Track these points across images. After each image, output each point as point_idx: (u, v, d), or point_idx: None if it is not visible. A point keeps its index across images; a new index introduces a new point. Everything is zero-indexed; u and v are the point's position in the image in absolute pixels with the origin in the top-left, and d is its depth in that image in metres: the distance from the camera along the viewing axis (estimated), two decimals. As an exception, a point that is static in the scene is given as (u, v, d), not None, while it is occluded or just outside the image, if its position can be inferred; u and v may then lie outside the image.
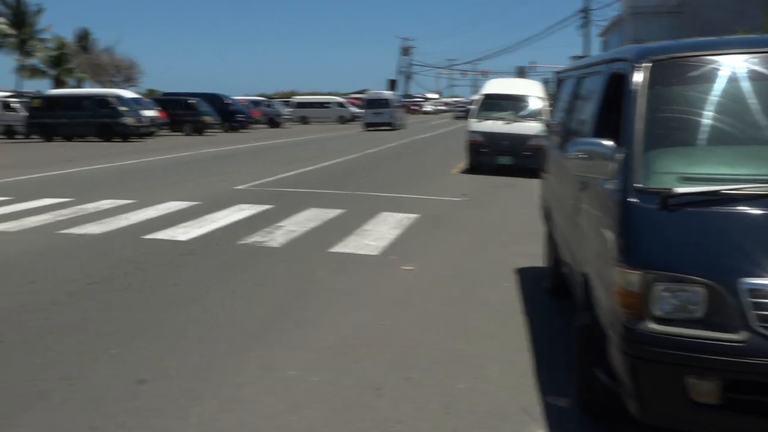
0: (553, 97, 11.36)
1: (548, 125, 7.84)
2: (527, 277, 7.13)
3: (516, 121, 17.28)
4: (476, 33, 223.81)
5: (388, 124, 42.08)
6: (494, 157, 17.21)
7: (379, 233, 9.19)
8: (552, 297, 6.39)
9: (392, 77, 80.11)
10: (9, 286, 6.44)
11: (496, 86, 19.45)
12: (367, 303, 6.16)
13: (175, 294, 6.29)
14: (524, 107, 17.85)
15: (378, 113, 42.48)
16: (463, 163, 18.42)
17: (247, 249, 8.18)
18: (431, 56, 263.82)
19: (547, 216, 6.69)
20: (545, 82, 28.66)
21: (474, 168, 17.39)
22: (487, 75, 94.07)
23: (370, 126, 42.13)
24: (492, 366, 4.75)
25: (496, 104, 18.03)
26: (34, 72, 56.10)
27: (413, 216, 10.54)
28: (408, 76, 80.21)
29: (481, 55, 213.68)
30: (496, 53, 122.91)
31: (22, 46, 51.91)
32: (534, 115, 17.24)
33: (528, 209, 11.00)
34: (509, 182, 15.62)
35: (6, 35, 51.09)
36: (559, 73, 7.95)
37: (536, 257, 7.38)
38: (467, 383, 4.45)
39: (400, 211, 10.87)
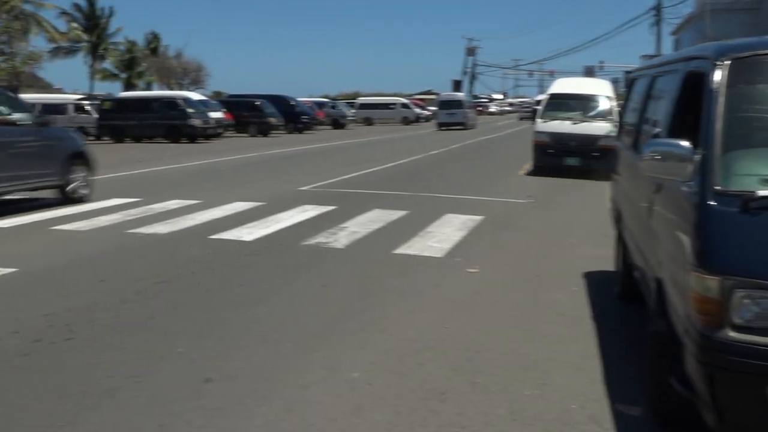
0: (622, 98, 11.09)
1: (619, 126, 7.66)
2: (596, 281, 6.97)
3: (584, 122, 16.88)
4: (543, 33, 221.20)
5: (461, 123, 44.84)
6: (561, 159, 16.90)
7: (443, 235, 9.14)
8: (622, 302, 6.24)
9: (457, 78, 79.69)
10: (81, 285, 6.64)
11: (563, 86, 18.99)
12: (431, 305, 6.12)
13: (241, 294, 6.38)
14: (593, 107, 17.29)
15: (451, 113, 45.32)
16: (528, 164, 18.19)
17: (311, 250, 8.24)
18: (497, 56, 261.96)
19: (618, 218, 6.54)
20: (614, 81, 28.12)
21: (540, 169, 17.13)
22: (553, 75, 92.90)
23: (443, 126, 44.76)
24: (559, 372, 4.66)
25: (563, 104, 17.68)
26: (106, 75, 57.96)
27: (478, 218, 10.46)
28: (473, 77, 79.68)
29: (548, 55, 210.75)
30: (563, 53, 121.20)
31: (95, 50, 53.65)
32: (603, 116, 16.82)
33: (597, 212, 10.79)
34: (577, 184, 15.35)
35: (79, 40, 52.88)
36: (629, 72, 7.81)
37: (606, 261, 7.22)
38: (534, 389, 4.37)
39: (464, 213, 10.80)
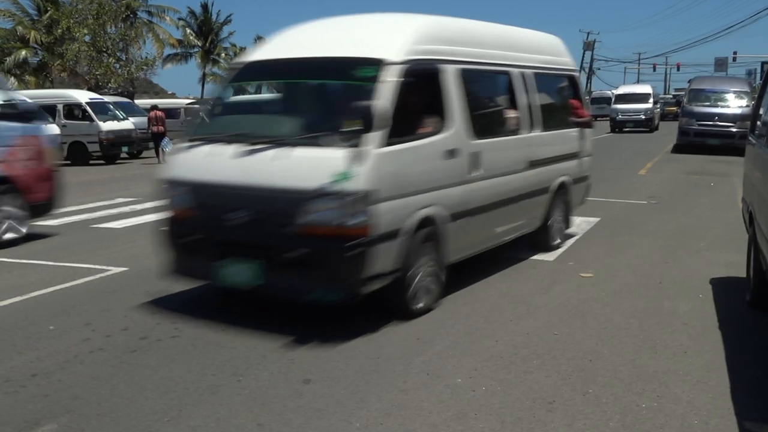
0: (758, 90, 10.53)
1: (751, 121, 7.25)
2: (725, 288, 6.64)
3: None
4: (668, 23, 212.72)
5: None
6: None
7: (555, 238, 8.94)
8: (754, 311, 5.90)
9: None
10: (188, 284, 6.91)
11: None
12: (541, 311, 6.00)
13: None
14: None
15: (601, 108, 44.32)
16: (651, 163, 17.57)
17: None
18: (617, 50, 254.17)
19: (750, 220, 6.19)
20: (748, 74, 27.21)
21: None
22: (680, 68, 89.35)
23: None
24: (680, 385, 4.46)
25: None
26: (218, 79, 60.20)
27: (593, 220, 10.19)
28: (591, 73, 77.64)
29: (674, 47, 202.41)
30: (690, 44, 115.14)
31: (207, 56, 55.84)
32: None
33: (728, 213, 10.31)
34: (705, 183, 14.68)
35: (193, 45, 55.19)
36: (766, 62, 7.38)
37: (738, 267, 6.87)
38: (651, 402, 4.20)
39: (578, 215, 10.52)
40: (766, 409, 4.07)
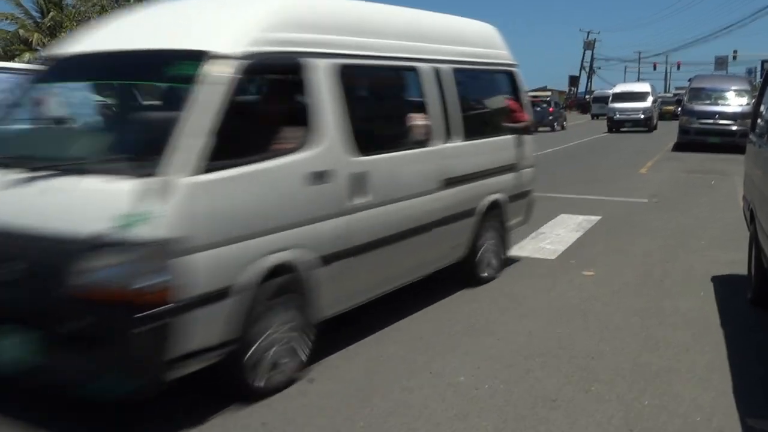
0: (758, 88, 10.55)
1: (752, 119, 7.26)
2: (726, 286, 6.66)
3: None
4: (668, 22, 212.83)
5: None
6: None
7: (556, 236, 8.98)
8: (755, 309, 5.92)
9: (574, 73, 77.84)
10: None
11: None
12: (543, 310, 6.02)
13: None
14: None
15: (602, 107, 44.36)
16: (651, 162, 17.59)
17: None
18: (617, 49, 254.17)
19: (751, 218, 6.21)
20: (749, 72, 27.30)
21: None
22: (680, 67, 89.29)
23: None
24: (682, 383, 4.48)
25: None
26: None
27: (594, 218, 10.20)
28: (591, 72, 77.61)
29: (675, 46, 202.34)
30: (690, 43, 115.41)
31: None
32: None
33: (728, 212, 10.33)
34: (706, 182, 14.70)
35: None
36: (766, 61, 7.40)
37: (739, 264, 6.88)
38: (654, 399, 4.23)
39: (579, 213, 10.56)
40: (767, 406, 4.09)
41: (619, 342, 5.22)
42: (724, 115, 22.22)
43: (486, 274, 6.79)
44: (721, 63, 62.21)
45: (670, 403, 4.18)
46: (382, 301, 5.59)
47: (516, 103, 7.33)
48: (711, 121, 22.30)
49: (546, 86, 63.11)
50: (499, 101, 7.32)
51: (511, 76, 7.42)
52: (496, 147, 6.88)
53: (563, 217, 10.26)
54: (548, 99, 39.23)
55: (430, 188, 5.74)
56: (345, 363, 4.81)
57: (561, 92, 69.00)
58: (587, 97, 66.47)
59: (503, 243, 7.12)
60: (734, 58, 63.64)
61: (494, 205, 6.73)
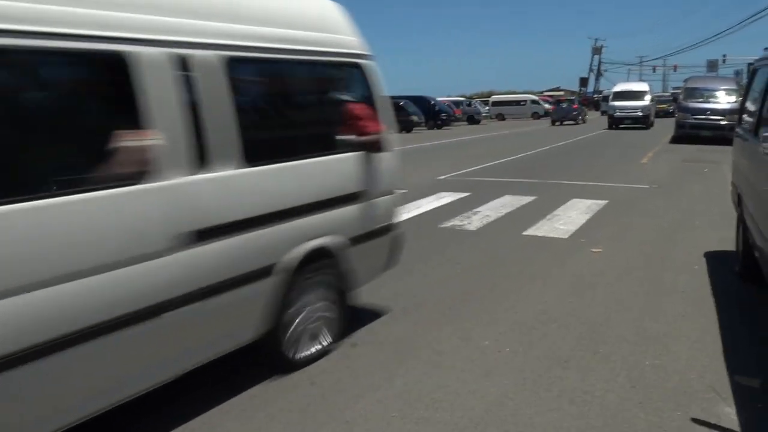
0: (745, 88, 10.32)
1: (739, 113, 7.10)
2: (717, 260, 6.52)
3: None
4: (667, 30, 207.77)
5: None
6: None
7: (568, 218, 8.86)
8: (742, 281, 5.80)
9: (583, 75, 76.71)
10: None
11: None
12: (556, 282, 5.96)
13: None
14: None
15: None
16: (651, 153, 17.24)
17: (447, 232, 8.24)
18: (622, 54, 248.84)
19: (738, 201, 6.08)
20: (736, 74, 26.81)
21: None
22: (676, 69, 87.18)
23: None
24: (680, 345, 4.41)
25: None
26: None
27: (602, 202, 10.04)
28: (598, 74, 76.38)
29: (672, 51, 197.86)
30: (685, 48, 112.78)
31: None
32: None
33: (719, 196, 10.10)
34: (700, 170, 14.37)
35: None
36: (751, 64, 7.24)
37: (727, 241, 6.74)
38: (654, 360, 4.17)
39: (589, 198, 10.41)
40: (753, 364, 4.01)
41: (623, 310, 5.15)
42: (715, 112, 21.89)
43: (302, 355, 4.15)
44: (712, 65, 60.84)
45: (669, 363, 4.12)
46: (418, 276, 5.56)
47: (365, 107, 4.57)
48: (703, 116, 22.01)
49: (559, 87, 62.26)
50: (330, 105, 4.54)
51: (359, 71, 4.62)
52: (319, 171, 4.13)
53: (574, 201, 10.12)
54: (573, 98, 39.69)
55: (145, 250, 3.02)
56: (384, 330, 4.81)
57: (573, 92, 68.10)
58: (595, 96, 65.70)
59: (342, 304, 4.44)
60: (724, 61, 62.09)
61: (319, 254, 4.09)
